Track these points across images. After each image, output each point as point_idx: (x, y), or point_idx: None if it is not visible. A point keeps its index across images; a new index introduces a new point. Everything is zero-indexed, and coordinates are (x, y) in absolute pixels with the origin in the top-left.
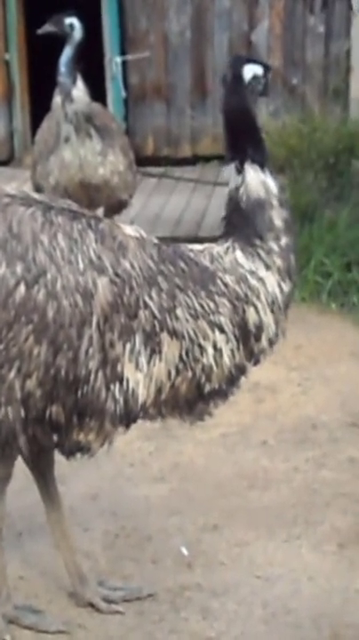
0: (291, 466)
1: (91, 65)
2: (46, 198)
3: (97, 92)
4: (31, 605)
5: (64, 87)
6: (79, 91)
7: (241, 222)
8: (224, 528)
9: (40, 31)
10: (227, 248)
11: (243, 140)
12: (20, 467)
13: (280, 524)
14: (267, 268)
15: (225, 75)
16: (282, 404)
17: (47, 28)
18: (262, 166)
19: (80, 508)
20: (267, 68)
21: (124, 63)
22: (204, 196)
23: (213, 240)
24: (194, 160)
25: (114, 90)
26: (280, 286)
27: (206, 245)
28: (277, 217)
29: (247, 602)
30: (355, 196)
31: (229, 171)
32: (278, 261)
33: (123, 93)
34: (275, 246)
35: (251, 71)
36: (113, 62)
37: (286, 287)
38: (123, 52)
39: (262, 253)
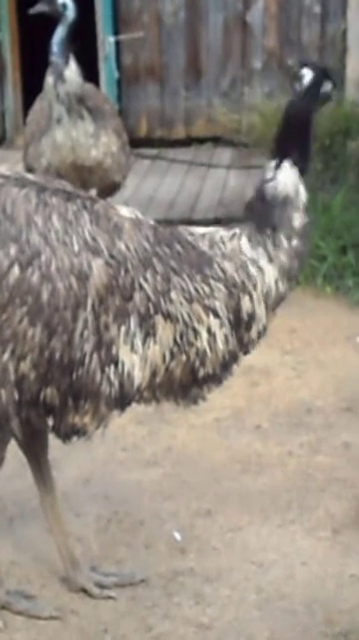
0: (286, 450)
1: (83, 45)
2: (41, 179)
3: (89, 72)
4: (23, 591)
5: (56, 67)
6: (72, 71)
7: (260, 210)
8: (217, 513)
9: (32, 11)
10: (234, 234)
11: (293, 144)
12: (13, 451)
13: (274, 509)
14: (270, 260)
15: (303, 77)
16: (276, 388)
17: (39, 7)
18: (302, 174)
19: (72, 493)
20: (334, 84)
21: (117, 43)
22: (198, 178)
23: (207, 222)
24: (188, 141)
25: (106, 70)
26: (277, 283)
27: (211, 229)
28: (298, 219)
29: (240, 587)
30: (351, 178)
31: (269, 167)
32: (283, 258)
33: (116, 74)
34: (284, 242)
35: (327, 86)
36: (106, 42)
37: (282, 287)
38: (116, 32)
39: (269, 244)
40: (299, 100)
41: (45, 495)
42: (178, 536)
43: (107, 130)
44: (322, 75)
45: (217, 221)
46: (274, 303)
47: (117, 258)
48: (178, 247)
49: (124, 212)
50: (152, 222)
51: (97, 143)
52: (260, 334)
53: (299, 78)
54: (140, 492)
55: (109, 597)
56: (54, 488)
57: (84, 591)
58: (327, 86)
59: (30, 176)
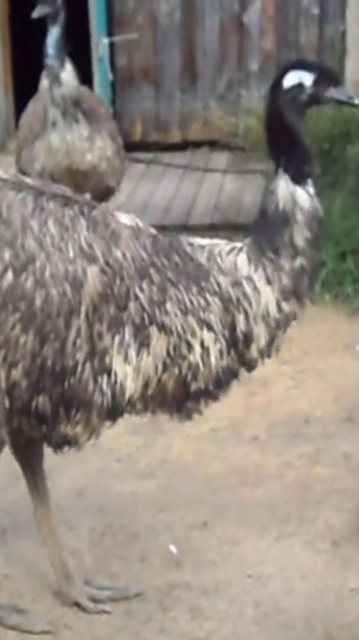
0: (284, 461)
1: (77, 46)
2: (39, 183)
3: (83, 74)
4: (15, 605)
5: (52, 70)
6: (68, 74)
7: (261, 228)
8: (214, 525)
9: (36, 14)
10: (233, 249)
11: (277, 148)
12: (5, 463)
13: (272, 522)
14: (268, 282)
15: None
16: (274, 397)
17: (42, 9)
18: (297, 179)
19: (65, 505)
20: (323, 76)
21: (112, 45)
22: (194, 183)
23: (203, 228)
24: (183, 145)
25: (100, 72)
26: (279, 305)
27: (212, 241)
28: (299, 235)
29: (238, 601)
30: (350, 183)
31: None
32: (285, 280)
33: (111, 76)
34: (286, 265)
35: (296, 78)
36: (99, 44)
37: (288, 307)
38: (110, 34)
39: (269, 266)
40: (268, 101)
41: (40, 506)
42: (173, 549)
43: (102, 134)
44: (285, 67)
45: (213, 227)
46: (279, 324)
47: (113, 266)
48: (176, 258)
49: (124, 219)
50: (152, 231)
51: (92, 147)
52: (264, 353)
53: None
54: (135, 503)
55: (103, 612)
56: (49, 499)
57: (78, 605)
58: (295, 78)
59: (28, 180)
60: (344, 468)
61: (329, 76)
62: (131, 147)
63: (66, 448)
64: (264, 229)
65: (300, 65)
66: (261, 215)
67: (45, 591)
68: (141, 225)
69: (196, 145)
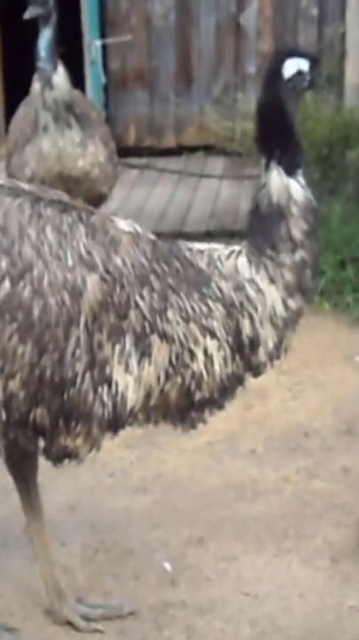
0: (282, 476)
1: (68, 49)
2: (36, 189)
3: (75, 77)
4: (5, 623)
5: (44, 73)
6: (60, 77)
7: (256, 226)
8: (210, 541)
9: (27, 15)
10: (232, 252)
11: (271, 140)
12: None
13: (269, 538)
14: (271, 281)
15: (264, 69)
16: (271, 409)
17: (34, 11)
18: (290, 171)
19: (57, 521)
20: (314, 60)
21: (104, 47)
22: (189, 189)
23: (198, 235)
24: (178, 150)
25: (93, 75)
26: (285, 303)
27: (211, 246)
28: (296, 228)
29: (234, 620)
30: (350, 189)
31: (262, 166)
32: (288, 276)
33: (103, 79)
34: (287, 259)
35: (294, 66)
36: (92, 46)
37: (294, 304)
38: (102, 36)
39: (270, 265)
40: (264, 91)
41: (33, 521)
42: (168, 566)
43: (94, 139)
44: (279, 56)
45: (209, 234)
46: (287, 322)
47: (113, 273)
48: (176, 264)
49: (123, 225)
50: (151, 236)
51: (84, 153)
52: (272, 356)
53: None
54: (129, 519)
55: (96, 631)
56: (42, 514)
57: (70, 624)
58: (294, 66)
59: (25, 185)
60: (343, 483)
61: (317, 59)
62: (125, 152)
63: (66, 461)
64: (259, 227)
65: (294, 52)
66: (254, 212)
67: (36, 609)
68: (140, 231)
69: (192, 150)
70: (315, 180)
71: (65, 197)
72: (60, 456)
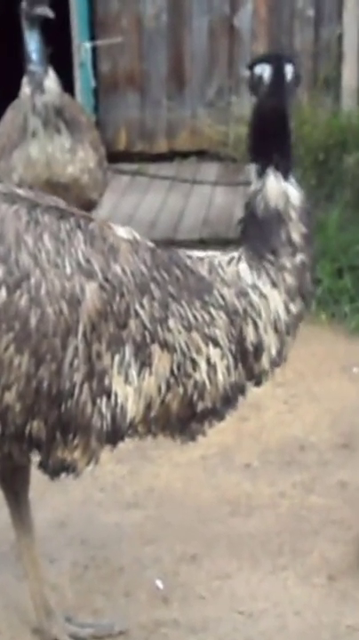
0: (277, 490)
1: (57, 51)
2: (32, 195)
3: (63, 81)
4: None
5: (35, 77)
6: (51, 81)
7: (254, 232)
8: (203, 558)
9: (40, 12)
10: (232, 258)
11: (271, 145)
12: None
13: (264, 554)
14: (274, 285)
15: (256, 70)
16: (267, 422)
17: (44, 10)
18: (286, 175)
19: (46, 537)
20: (297, 65)
21: (94, 49)
22: (182, 196)
23: (191, 243)
24: (170, 156)
25: (82, 78)
26: (287, 307)
27: (209, 253)
28: (295, 231)
29: (228, 639)
30: (347, 195)
31: (251, 171)
32: (289, 280)
33: (93, 82)
34: (288, 263)
35: (290, 70)
36: (81, 48)
37: (295, 308)
38: (92, 37)
39: (271, 269)
40: (268, 98)
41: (23, 536)
42: (160, 584)
43: (83, 144)
44: (279, 61)
45: (202, 242)
46: (289, 328)
47: (112, 282)
48: (177, 272)
49: (121, 232)
50: (150, 244)
51: (74, 159)
52: (275, 363)
53: (257, 80)
54: (120, 535)
55: None
56: (33, 529)
57: None
58: (291, 71)
59: (21, 191)
60: (340, 498)
61: (294, 63)
62: (115, 157)
63: (63, 474)
64: (257, 233)
65: (285, 57)
66: (250, 218)
67: (25, 628)
68: (139, 238)
69: (184, 155)
70: (311, 186)
71: (62, 204)
72: (58, 469)
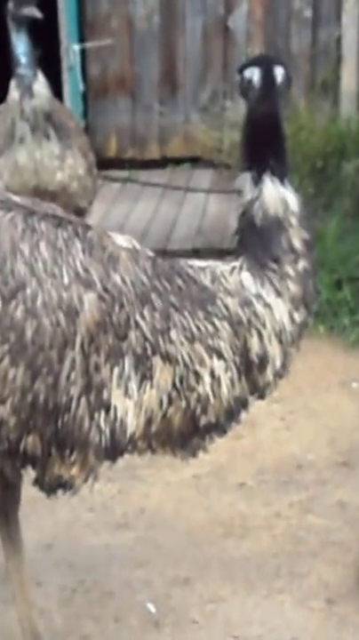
0: (273, 511)
1: (44, 54)
2: (29, 202)
3: (51, 84)
4: None
5: (24, 80)
6: (41, 85)
7: (254, 241)
8: (196, 582)
9: (28, 12)
10: (234, 268)
11: (265, 150)
12: None
13: (260, 577)
14: (278, 294)
15: (246, 74)
16: (262, 440)
17: (31, 11)
18: (282, 180)
19: (33, 559)
20: (287, 68)
21: (83, 52)
22: (174, 204)
23: (184, 253)
24: (162, 163)
25: (71, 82)
26: (291, 316)
27: (210, 263)
28: (296, 238)
29: None
30: (346, 204)
31: (245, 180)
32: (293, 288)
33: (82, 87)
34: (291, 271)
35: (280, 74)
36: (70, 51)
37: (299, 317)
38: (81, 40)
39: (274, 277)
40: (259, 102)
41: (11, 557)
42: (152, 608)
43: (72, 150)
44: (267, 64)
45: (195, 252)
46: (293, 338)
47: (112, 292)
48: (178, 281)
49: (121, 240)
50: (150, 253)
51: (62, 166)
52: (279, 375)
53: (247, 84)
54: (109, 558)
55: None
56: (22, 551)
57: None
58: (281, 74)
59: (17, 198)
60: (339, 518)
61: (288, 68)
62: (105, 164)
63: (60, 491)
64: (257, 241)
65: (274, 60)
66: (248, 227)
67: None
68: (139, 247)
69: (177, 162)
70: (308, 195)
71: (60, 211)
72: (54, 486)
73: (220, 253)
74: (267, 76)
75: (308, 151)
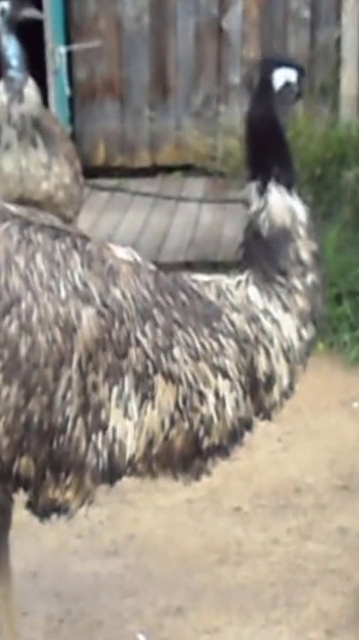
0: (270, 537)
1: (29, 56)
2: (25, 212)
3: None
4: None
5: (15, 84)
6: (31, 89)
7: (261, 253)
8: (189, 611)
9: (27, 14)
10: (239, 282)
11: (267, 157)
12: None
13: (256, 607)
14: (286, 309)
15: (251, 79)
16: (259, 462)
17: (31, 12)
18: (289, 188)
19: (18, 588)
20: (301, 71)
21: (69, 54)
22: (165, 214)
23: (176, 266)
24: (153, 171)
25: (57, 86)
26: (299, 332)
27: (214, 277)
28: (305, 249)
29: None
30: (346, 213)
31: (250, 191)
32: (301, 303)
33: (68, 91)
34: (299, 284)
35: (282, 77)
36: (56, 53)
37: (307, 334)
38: (67, 42)
39: (282, 292)
40: (255, 104)
41: (0, 585)
42: (142, 639)
43: (58, 157)
44: (268, 66)
45: (188, 265)
46: (301, 355)
47: (111, 307)
48: (182, 296)
49: (121, 253)
50: (152, 266)
51: (49, 174)
52: (285, 394)
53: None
54: (98, 587)
55: None
56: (11, 578)
57: None
58: (283, 77)
59: (12, 208)
60: (339, 545)
61: (304, 70)
62: (93, 172)
63: (54, 515)
64: (263, 253)
65: (281, 62)
66: (254, 239)
67: None
68: (140, 260)
69: (168, 170)
70: (307, 204)
71: (57, 222)
72: (48, 510)
73: (214, 266)
74: (263, 79)
75: (307, 158)
